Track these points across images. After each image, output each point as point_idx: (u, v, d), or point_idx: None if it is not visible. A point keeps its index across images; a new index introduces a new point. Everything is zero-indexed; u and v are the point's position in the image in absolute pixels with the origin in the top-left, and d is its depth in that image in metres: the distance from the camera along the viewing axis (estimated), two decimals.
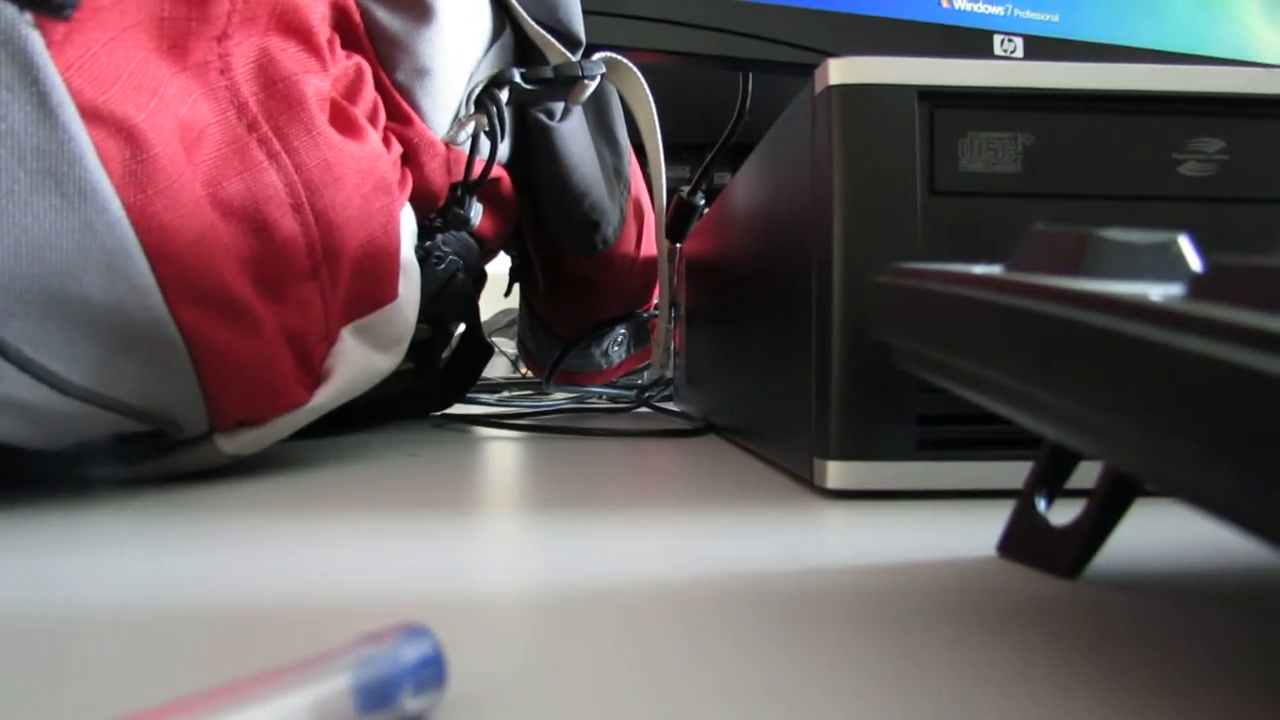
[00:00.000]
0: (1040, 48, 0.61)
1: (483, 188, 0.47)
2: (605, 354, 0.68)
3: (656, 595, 0.19)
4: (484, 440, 0.49)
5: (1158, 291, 0.13)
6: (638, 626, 0.17)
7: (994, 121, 0.29)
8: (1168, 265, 0.15)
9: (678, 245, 0.64)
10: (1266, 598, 0.18)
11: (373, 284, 0.36)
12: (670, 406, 0.68)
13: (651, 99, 0.53)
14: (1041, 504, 0.21)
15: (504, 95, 0.45)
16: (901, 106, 0.29)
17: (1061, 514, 0.21)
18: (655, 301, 0.68)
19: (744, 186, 0.42)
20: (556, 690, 0.13)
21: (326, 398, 0.35)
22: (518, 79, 0.45)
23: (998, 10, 0.61)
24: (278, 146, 0.32)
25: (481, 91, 0.44)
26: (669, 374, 0.67)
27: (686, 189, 0.62)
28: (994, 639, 0.16)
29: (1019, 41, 0.60)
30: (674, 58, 0.57)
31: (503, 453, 0.43)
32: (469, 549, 0.23)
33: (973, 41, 0.59)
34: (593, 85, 0.47)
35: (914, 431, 0.28)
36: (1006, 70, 0.29)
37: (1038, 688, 0.13)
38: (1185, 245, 0.15)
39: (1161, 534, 0.24)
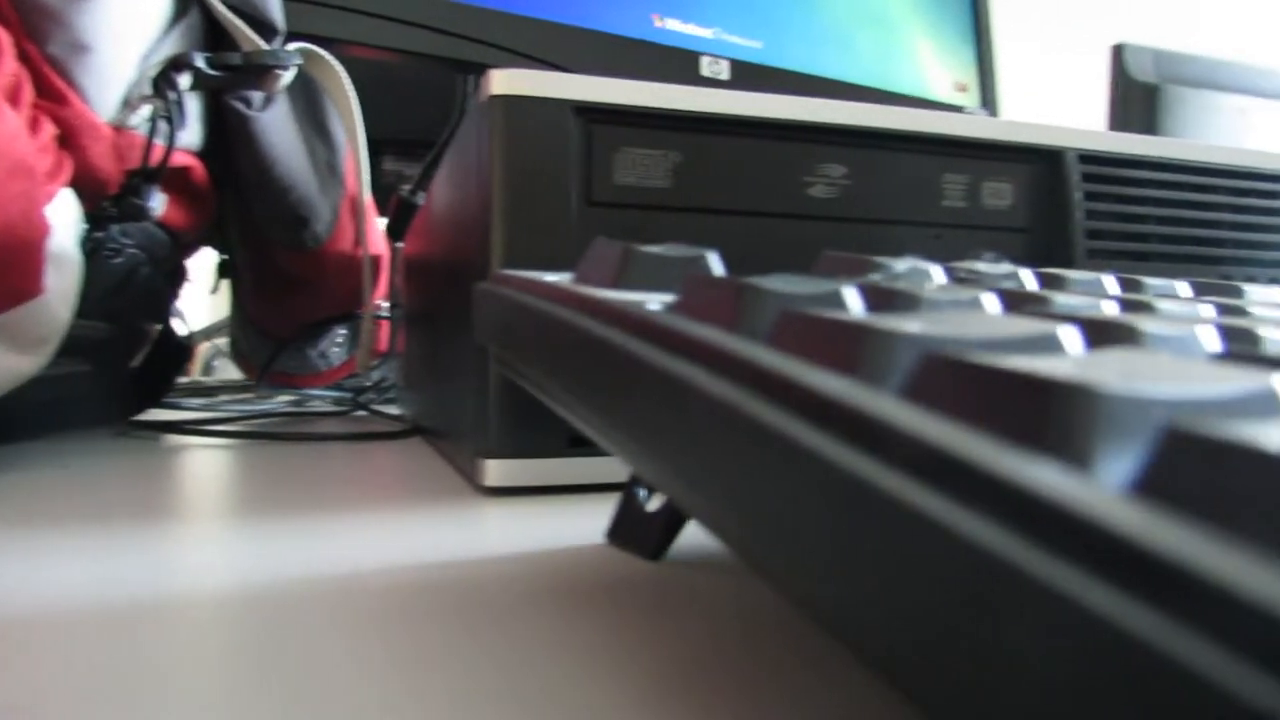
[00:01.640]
0: (745, 72, 0.65)
1: (167, 177, 0.44)
2: (323, 355, 0.66)
3: (305, 594, 0.18)
4: (168, 448, 0.46)
5: (657, 300, 0.15)
6: (277, 625, 0.16)
7: (646, 139, 0.31)
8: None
9: (399, 245, 0.63)
10: None
11: (9, 277, 0.33)
12: (392, 410, 0.67)
13: (353, 94, 0.52)
14: (642, 493, 0.22)
15: (185, 79, 0.42)
16: (559, 120, 0.30)
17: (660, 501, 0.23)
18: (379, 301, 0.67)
19: (438, 188, 0.43)
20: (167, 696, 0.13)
21: None
22: (201, 63, 0.42)
23: (707, 33, 0.65)
24: None
25: (159, 74, 0.41)
26: (381, 376, 0.66)
27: (407, 188, 0.61)
28: (577, 616, 0.17)
29: (725, 64, 0.65)
30: (391, 55, 0.56)
31: (181, 461, 0.41)
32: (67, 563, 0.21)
33: (682, 61, 0.62)
34: (287, 75, 0.45)
35: (565, 429, 0.30)
36: (658, 92, 0.32)
37: (607, 655, 0.15)
38: (713, 260, 0.17)
39: None
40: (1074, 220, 0.37)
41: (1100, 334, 0.12)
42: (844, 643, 0.09)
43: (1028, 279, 0.21)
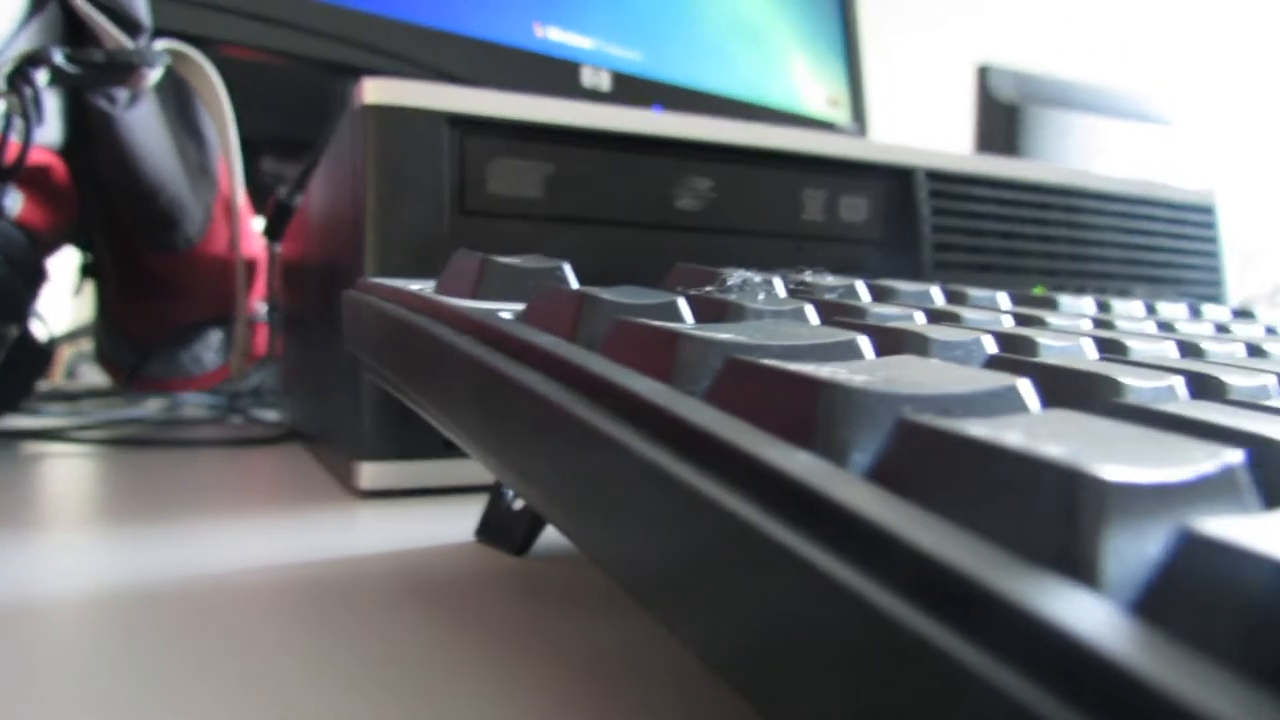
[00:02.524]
0: (625, 83, 0.67)
1: (24, 175, 0.42)
2: (196, 359, 0.64)
3: (170, 596, 0.19)
4: (27, 456, 0.44)
5: (506, 309, 0.16)
6: (139, 626, 0.17)
7: (519, 150, 0.32)
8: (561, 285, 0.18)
9: (276, 247, 0.62)
10: None
11: None
12: (271, 415, 0.66)
13: (224, 94, 0.51)
14: (509, 493, 0.23)
15: (43, 75, 0.41)
16: (432, 130, 0.31)
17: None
18: (255, 304, 0.65)
19: (315, 192, 0.42)
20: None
21: None
22: (60, 59, 0.41)
23: (587, 43, 0.66)
24: None
25: (14, 70, 0.40)
26: (260, 381, 0.65)
27: (285, 189, 0.60)
28: (440, 609, 0.18)
29: (606, 75, 0.66)
30: (266, 55, 0.55)
31: (42, 468, 0.40)
32: None
33: (563, 71, 0.64)
34: (154, 74, 0.44)
35: (438, 432, 0.31)
36: (531, 105, 0.33)
37: (471, 644, 0.16)
38: (567, 272, 0.18)
39: None
40: (923, 234, 0.40)
41: (894, 341, 0.14)
42: (647, 607, 0.10)
43: (862, 291, 0.23)
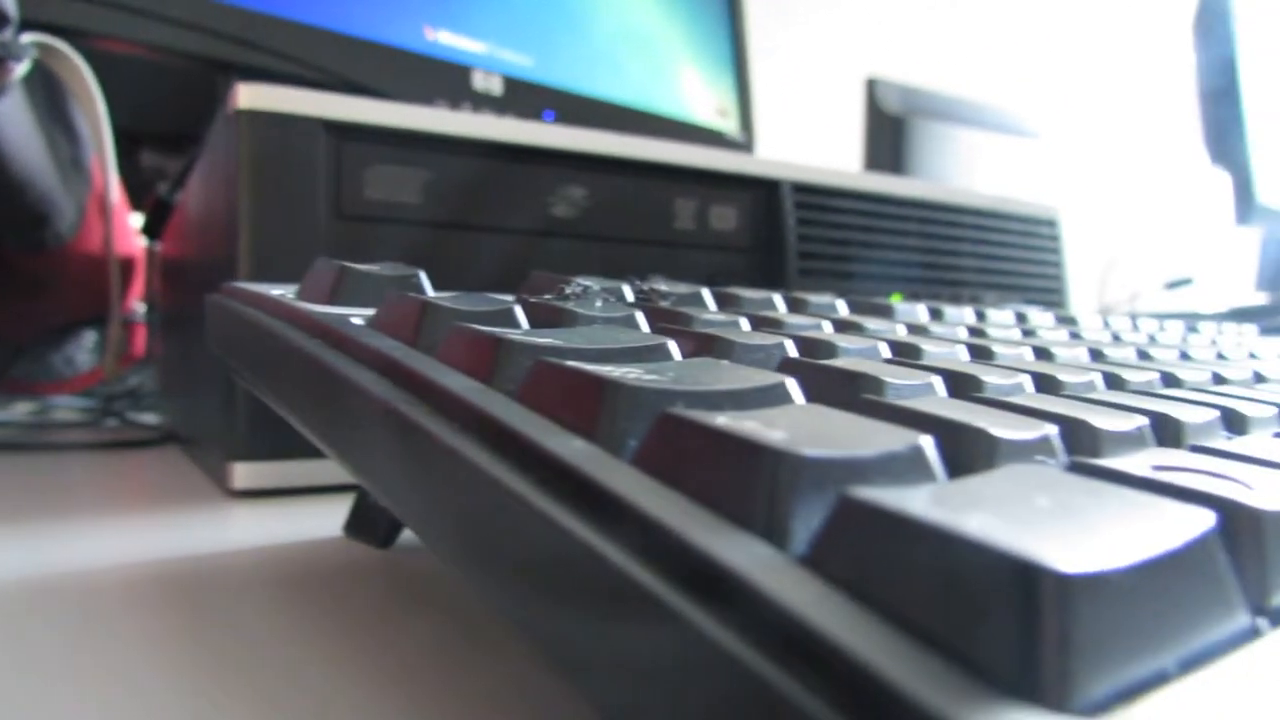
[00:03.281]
0: (516, 88, 0.68)
1: None
2: (69, 361, 0.62)
3: (34, 591, 0.19)
4: None
5: (359, 315, 0.17)
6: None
7: (397, 157, 0.33)
8: (414, 293, 0.20)
9: (156, 244, 0.61)
10: None
11: None
12: (149, 418, 0.64)
13: (96, 89, 0.50)
14: None
15: None
16: (308, 136, 0.32)
17: None
18: (133, 304, 0.64)
19: (193, 190, 0.42)
20: None
21: None
22: None
23: (479, 48, 0.67)
24: None
25: None
26: (138, 382, 0.63)
27: (165, 185, 0.59)
28: (304, 600, 0.19)
29: (498, 79, 0.67)
30: (144, 50, 0.54)
31: None
32: None
33: (453, 75, 0.64)
34: (21, 68, 0.43)
35: None
36: (408, 113, 0.34)
37: (335, 633, 0.17)
38: (423, 279, 0.20)
39: None
40: (789, 243, 0.43)
41: (703, 345, 0.16)
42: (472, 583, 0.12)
43: (707, 299, 0.25)
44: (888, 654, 0.07)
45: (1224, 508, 0.10)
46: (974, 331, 0.25)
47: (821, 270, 0.44)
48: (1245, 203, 0.96)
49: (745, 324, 0.20)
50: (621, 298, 0.22)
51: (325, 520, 0.27)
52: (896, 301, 0.33)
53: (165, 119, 0.68)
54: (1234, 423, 0.16)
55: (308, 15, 0.59)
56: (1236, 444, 0.14)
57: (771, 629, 0.07)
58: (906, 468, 0.10)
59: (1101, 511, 0.09)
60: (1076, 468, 0.11)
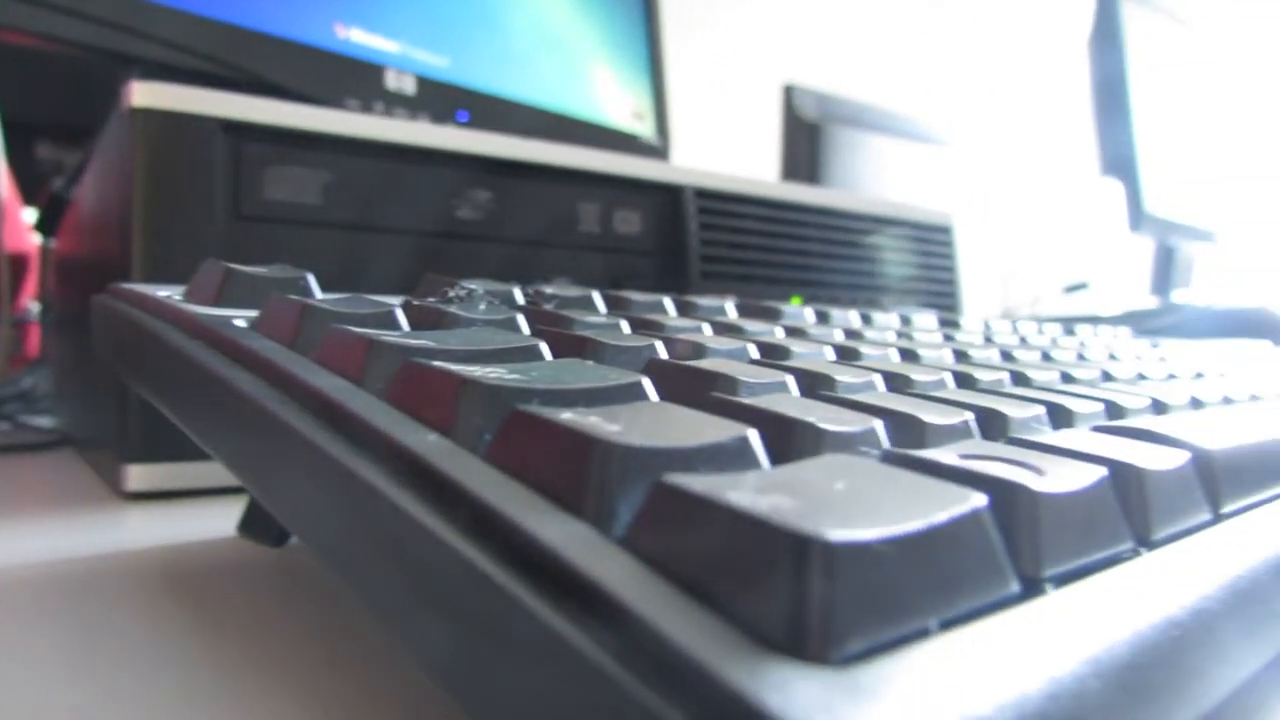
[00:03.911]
0: (430, 88, 0.68)
1: None
2: None
3: None
4: None
5: (243, 317, 0.17)
6: None
7: (297, 158, 0.33)
8: (300, 295, 0.20)
9: (51, 242, 0.59)
10: None
11: None
12: (44, 421, 0.62)
13: None
14: None
15: None
16: (205, 136, 0.32)
17: None
18: (26, 303, 0.62)
19: (88, 187, 0.41)
20: None
21: None
22: None
23: (392, 47, 0.67)
24: None
25: None
26: (32, 384, 0.61)
27: (60, 181, 0.57)
28: (193, 598, 0.19)
29: (411, 79, 0.67)
30: (36, 40, 0.53)
31: None
32: None
33: (365, 73, 0.64)
34: None
35: None
36: (307, 114, 0.34)
37: (230, 627, 0.17)
38: (310, 281, 0.20)
39: None
40: (691, 247, 0.44)
41: (575, 346, 0.17)
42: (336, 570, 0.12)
43: (598, 302, 0.26)
44: (671, 616, 0.08)
45: (1005, 490, 0.11)
46: (850, 334, 0.27)
47: (724, 274, 0.45)
48: (1136, 211, 1.01)
49: (625, 326, 0.21)
50: (510, 301, 0.23)
51: (220, 521, 0.27)
52: (795, 305, 0.35)
53: (61, 111, 0.66)
54: (1059, 418, 0.18)
55: (212, 9, 0.58)
56: (1051, 436, 0.15)
57: (578, 597, 0.08)
58: (731, 457, 0.11)
59: (887, 493, 0.10)
60: (889, 457, 0.12)
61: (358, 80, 0.63)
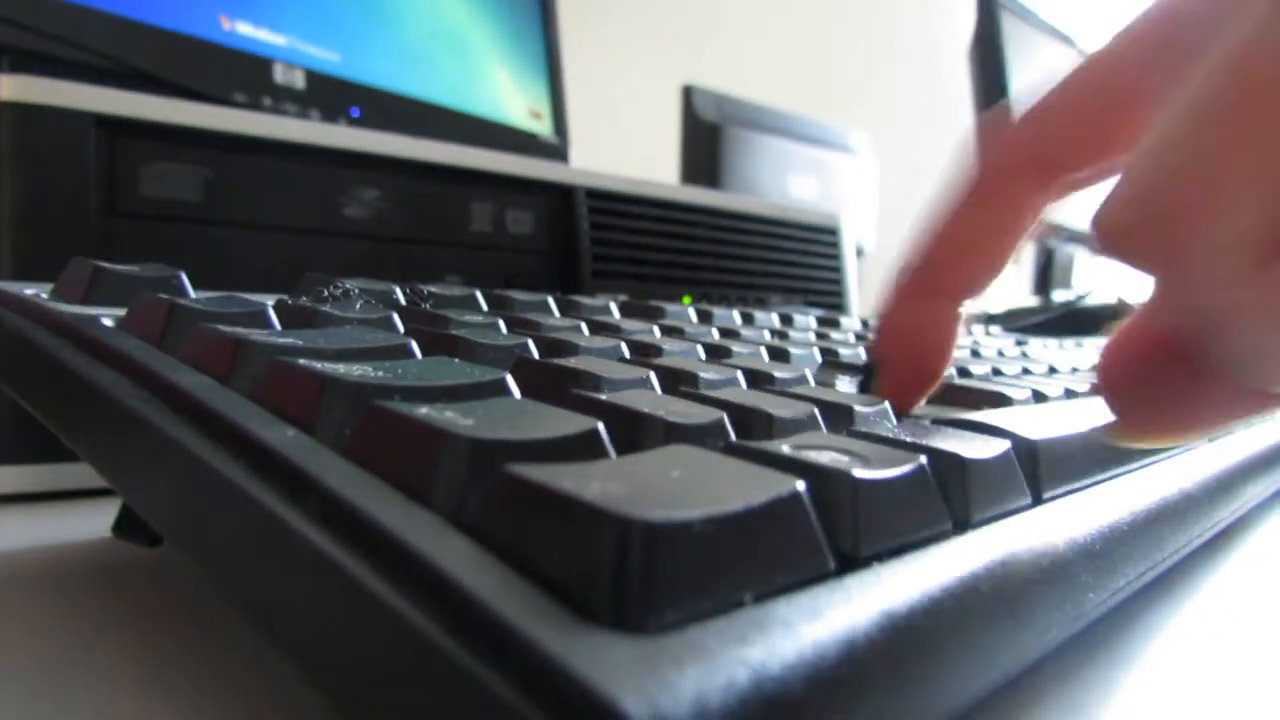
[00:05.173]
0: (320, 83, 0.67)
1: None
2: None
3: None
4: None
5: (111, 316, 0.17)
6: None
7: (174, 154, 0.33)
8: (172, 293, 0.20)
9: None
10: None
11: None
12: None
13: None
14: None
15: None
16: (78, 131, 0.31)
17: None
18: None
19: None
20: None
21: None
22: None
23: (280, 40, 0.65)
24: None
25: None
26: None
27: None
28: (66, 599, 0.19)
29: (300, 73, 0.66)
30: None
31: None
32: None
33: (252, 67, 0.62)
34: None
35: None
36: (184, 110, 0.33)
37: (103, 629, 0.17)
38: (183, 280, 0.20)
39: None
40: (583, 247, 0.45)
41: (445, 345, 0.17)
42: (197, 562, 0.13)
43: (480, 302, 0.26)
44: (502, 594, 0.09)
45: (826, 476, 0.12)
46: (726, 333, 0.28)
47: (616, 273, 0.46)
48: None
49: (502, 326, 0.22)
50: (388, 300, 0.23)
51: (95, 522, 0.27)
52: (685, 304, 0.36)
53: None
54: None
55: None
56: (891, 429, 0.17)
57: (414, 577, 0.09)
58: (579, 449, 0.12)
59: (715, 479, 0.11)
60: (729, 448, 0.13)
61: (245, 74, 0.62)
